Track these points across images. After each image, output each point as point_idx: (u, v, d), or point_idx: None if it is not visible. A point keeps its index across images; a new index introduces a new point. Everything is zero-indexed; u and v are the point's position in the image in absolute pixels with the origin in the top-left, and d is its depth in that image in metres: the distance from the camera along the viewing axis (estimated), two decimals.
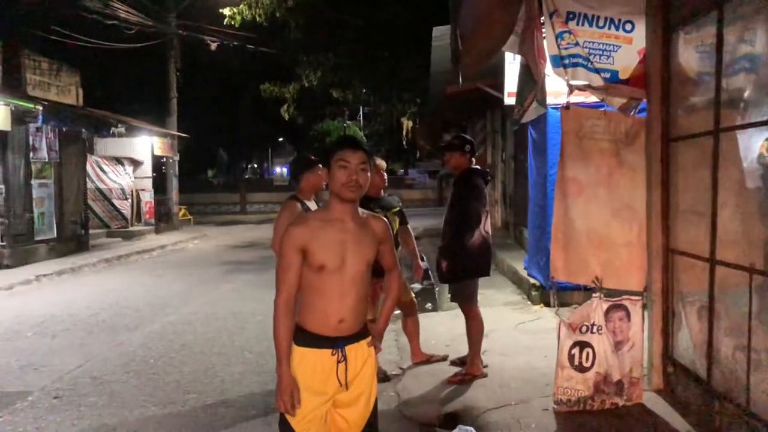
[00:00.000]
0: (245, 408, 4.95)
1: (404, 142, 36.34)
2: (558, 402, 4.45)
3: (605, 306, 4.46)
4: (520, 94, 5.70)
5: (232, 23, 19.95)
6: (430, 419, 4.56)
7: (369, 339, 2.81)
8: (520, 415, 4.43)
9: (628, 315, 4.50)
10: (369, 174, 2.74)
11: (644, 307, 4.64)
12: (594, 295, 4.49)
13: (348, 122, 43.12)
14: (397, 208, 5.65)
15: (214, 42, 22.37)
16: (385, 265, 2.96)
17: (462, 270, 5.27)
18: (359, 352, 2.75)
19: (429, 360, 5.84)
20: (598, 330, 4.45)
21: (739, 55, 3.87)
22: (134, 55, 20.53)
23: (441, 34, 10.38)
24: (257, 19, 19.69)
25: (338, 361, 2.68)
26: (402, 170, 50.68)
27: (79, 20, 17.52)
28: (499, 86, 9.35)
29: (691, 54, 4.47)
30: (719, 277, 3.96)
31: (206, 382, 5.60)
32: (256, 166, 64.81)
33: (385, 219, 2.92)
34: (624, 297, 4.53)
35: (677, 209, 4.56)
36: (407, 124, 31.90)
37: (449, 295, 5.64)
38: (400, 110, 28.65)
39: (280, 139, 53.51)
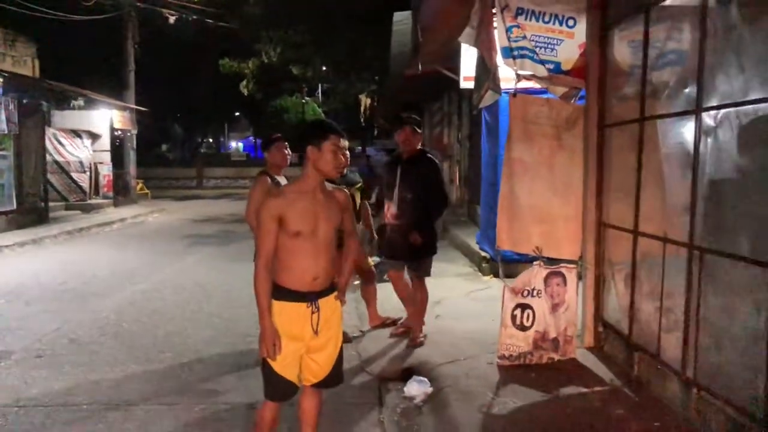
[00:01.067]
0: (218, 365, 5.39)
1: (362, 120, 36.68)
2: (501, 357, 5.03)
3: (544, 273, 5.04)
4: (478, 82, 6.20)
5: None
6: (388, 374, 5.08)
7: (336, 293, 3.30)
8: (468, 368, 5.00)
9: (565, 281, 5.09)
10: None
11: (579, 274, 5.25)
12: (534, 263, 5.06)
13: (306, 99, 43.15)
14: (359, 184, 6.13)
15: (172, 15, 22.31)
16: (345, 230, 3.43)
17: (432, 247, 5.76)
18: (328, 304, 3.24)
19: (384, 323, 6.34)
20: (537, 294, 5.03)
21: (667, 50, 4.44)
22: (92, 27, 20.34)
23: (401, 19, 10.79)
24: None
25: (312, 312, 3.17)
26: (359, 147, 50.98)
27: None
28: (456, 70, 9.83)
29: (624, 49, 5.03)
30: (641, 247, 4.57)
31: (180, 343, 6.01)
32: (212, 140, 64.21)
33: (347, 191, 3.43)
34: (561, 265, 5.12)
35: (609, 187, 5.15)
36: (365, 101, 32.28)
37: (414, 272, 5.79)
38: (359, 88, 28.98)
39: (237, 114, 53.14)
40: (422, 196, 5.59)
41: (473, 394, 4.55)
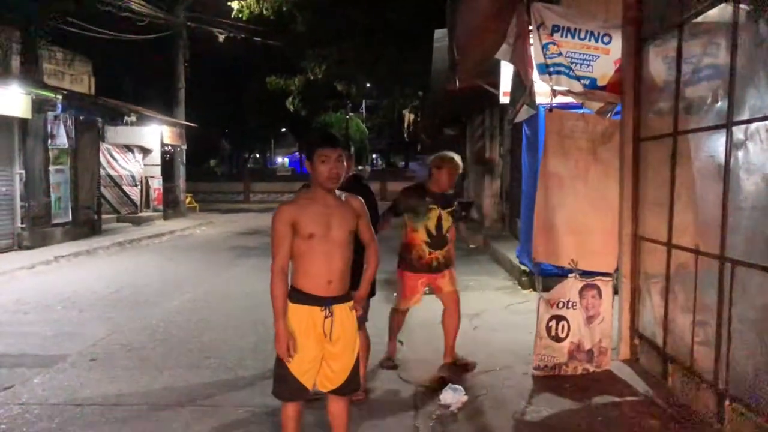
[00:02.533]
0: (261, 370, 5.59)
1: (405, 135, 36.95)
2: (537, 367, 5.11)
3: (580, 285, 5.12)
4: (513, 97, 6.35)
5: (240, 16, 20.56)
6: (424, 381, 5.20)
7: (351, 303, 3.42)
8: (503, 377, 5.09)
9: (600, 293, 5.15)
10: (345, 164, 3.37)
11: (614, 286, 5.30)
12: (570, 275, 5.14)
13: (350, 114, 43.70)
14: (452, 208, 5.43)
15: (221, 34, 22.99)
16: (363, 240, 3.53)
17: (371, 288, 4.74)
18: (344, 312, 3.36)
19: (456, 362, 5.48)
20: (572, 306, 5.10)
21: (699, 65, 4.50)
22: (144, 46, 21.12)
23: (442, 35, 10.96)
24: (264, 12, 20.31)
25: (325, 317, 3.30)
26: (402, 163, 51.30)
27: (92, 11, 18.11)
28: (497, 85, 9.95)
29: (659, 64, 5.10)
30: (675, 260, 4.62)
31: (225, 349, 6.24)
32: (258, 155, 65.40)
33: (360, 198, 3.51)
34: (597, 278, 5.19)
35: (645, 201, 5.20)
36: (409, 117, 32.52)
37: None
38: (402, 104, 29.23)
39: (283, 130, 54.07)
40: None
41: (507, 402, 4.64)
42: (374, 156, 60.14)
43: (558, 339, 5.10)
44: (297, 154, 59.49)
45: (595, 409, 4.48)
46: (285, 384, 3.35)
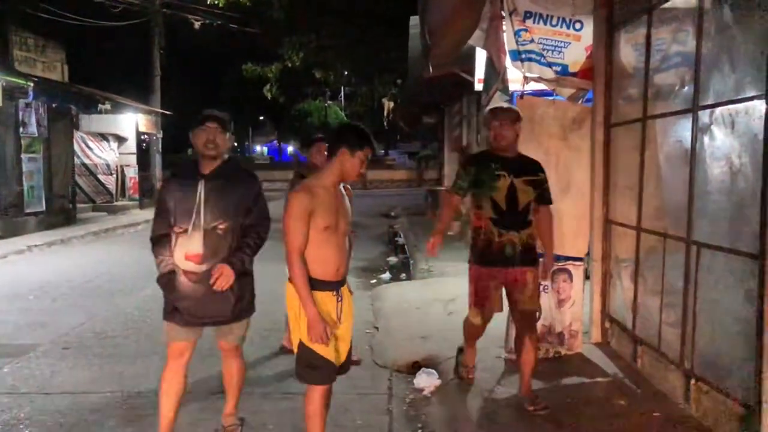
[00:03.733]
0: None
1: (385, 123, 36.92)
2: (509, 351, 5.16)
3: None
4: (487, 83, 6.37)
5: (216, 2, 20.36)
6: (399, 366, 5.24)
7: (347, 284, 3.48)
8: (477, 361, 5.11)
9: (571, 277, 5.22)
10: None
11: (585, 270, 5.36)
12: (541, 260, 5.18)
13: (329, 102, 43.55)
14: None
15: (197, 21, 22.74)
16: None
17: (253, 301, 4.09)
18: (346, 294, 3.42)
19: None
20: (544, 289, 5.15)
21: (667, 51, 4.56)
22: (119, 32, 20.83)
23: (417, 22, 10.95)
24: None
25: (338, 301, 3.34)
26: (382, 151, 51.31)
27: None
28: (472, 72, 9.97)
29: (629, 51, 5.15)
30: (645, 243, 4.68)
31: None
32: (236, 144, 64.99)
33: (349, 187, 3.80)
34: (568, 262, 5.24)
35: (615, 185, 5.27)
36: (388, 104, 32.47)
37: (226, 339, 3.88)
38: (381, 91, 29.19)
39: (261, 118, 53.74)
40: (238, 226, 3.63)
41: (479, 385, 4.70)
42: None
43: None
44: (276, 142, 59.21)
45: (565, 390, 4.55)
46: (318, 370, 3.32)
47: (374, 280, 9.12)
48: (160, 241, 3.59)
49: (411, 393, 4.64)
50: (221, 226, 3.51)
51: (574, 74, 5.44)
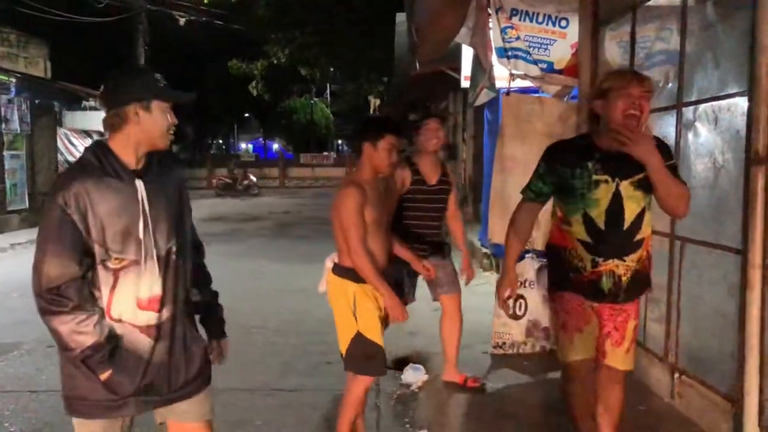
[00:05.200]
0: None
1: None
2: (495, 346, 5.20)
3: (537, 265, 5.21)
4: (473, 80, 6.40)
5: None
6: (387, 362, 5.25)
7: None
8: (463, 357, 5.14)
9: None
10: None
11: None
12: (527, 255, 5.22)
13: (315, 99, 43.46)
14: None
15: (182, 17, 22.62)
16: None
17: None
18: None
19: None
20: (530, 285, 5.20)
21: (652, 49, 4.60)
22: (103, 28, 20.65)
23: (403, 19, 10.96)
24: None
25: None
26: None
27: None
28: (459, 69, 10.00)
29: (614, 48, 5.19)
30: None
31: None
32: (222, 141, 64.68)
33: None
34: None
35: None
36: (374, 102, 32.48)
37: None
38: (368, 89, 29.17)
39: (246, 115, 53.50)
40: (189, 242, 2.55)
41: None
42: (339, 142, 59.97)
43: (516, 317, 5.20)
44: (261, 139, 59.01)
45: (550, 383, 4.59)
46: (375, 359, 3.39)
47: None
48: (69, 292, 2.11)
49: (398, 389, 4.66)
50: (174, 248, 2.27)
51: (559, 72, 5.48)
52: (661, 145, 2.85)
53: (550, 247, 3.12)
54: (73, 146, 18.97)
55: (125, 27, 21.87)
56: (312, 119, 43.21)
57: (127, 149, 2.20)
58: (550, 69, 5.44)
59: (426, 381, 4.74)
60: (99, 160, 2.18)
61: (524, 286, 5.17)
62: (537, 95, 5.75)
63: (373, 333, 3.34)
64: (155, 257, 2.20)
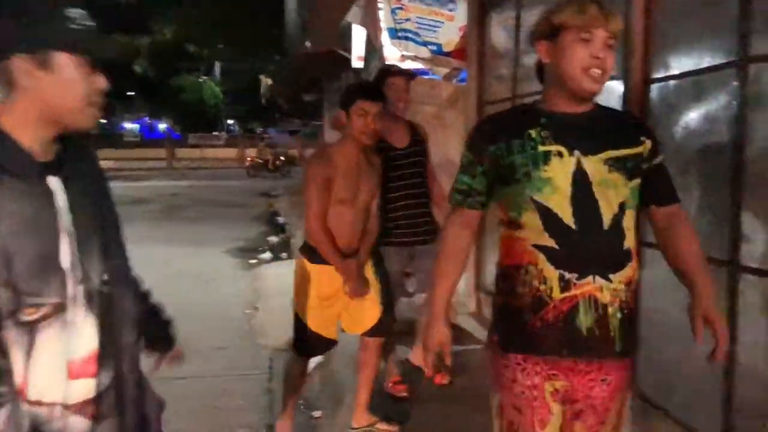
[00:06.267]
0: None
1: (263, 101, 36.24)
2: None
3: None
4: (366, 60, 6.40)
5: None
6: (281, 344, 5.21)
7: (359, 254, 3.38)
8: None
9: None
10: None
11: None
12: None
13: (204, 78, 42.13)
14: None
15: None
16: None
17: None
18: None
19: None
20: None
21: None
22: None
23: None
24: None
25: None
26: (261, 129, 50.40)
27: None
28: (350, 49, 9.98)
29: (500, 32, 5.34)
30: None
31: None
32: (104, 121, 61.56)
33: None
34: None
35: None
36: (266, 81, 31.86)
37: None
38: (259, 68, 28.59)
39: (130, 93, 51.14)
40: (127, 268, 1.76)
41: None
42: (230, 122, 58.54)
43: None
44: (146, 119, 56.59)
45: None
46: (306, 342, 3.35)
47: (254, 260, 8.99)
48: None
49: None
50: (109, 277, 1.50)
51: (448, 54, 5.59)
52: (646, 130, 1.99)
53: (500, 273, 1.99)
54: None
55: None
56: (201, 98, 41.86)
57: (26, 130, 1.35)
58: (439, 51, 5.54)
59: (321, 363, 4.74)
60: None
61: None
62: (427, 77, 5.84)
63: (306, 314, 3.28)
64: (86, 294, 1.41)
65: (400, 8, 5.40)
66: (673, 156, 2.81)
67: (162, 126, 55.87)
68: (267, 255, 9.51)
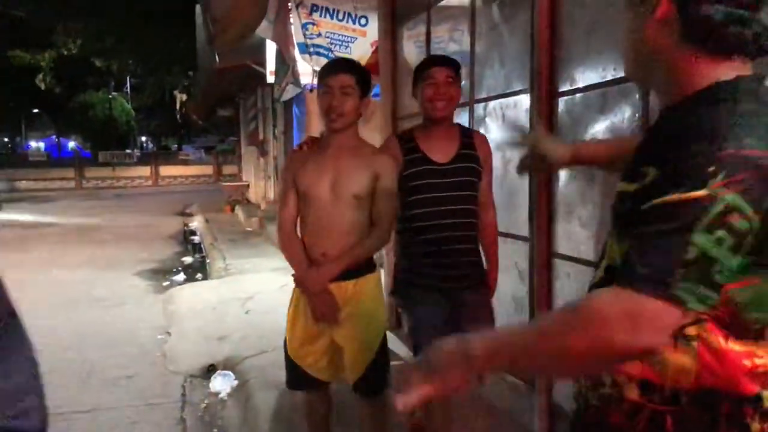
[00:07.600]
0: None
1: (178, 117, 35.34)
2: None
3: None
4: (278, 75, 6.30)
5: None
6: (194, 371, 5.00)
7: (356, 281, 2.77)
8: (274, 358, 5.02)
9: None
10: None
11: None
12: None
13: (114, 94, 40.71)
14: None
15: None
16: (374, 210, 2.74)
17: None
18: (345, 292, 2.73)
19: None
20: None
21: (445, 47, 4.80)
22: None
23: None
24: None
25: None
26: (176, 145, 49.06)
27: None
28: (264, 63, 9.83)
29: (412, 47, 5.35)
30: None
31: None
32: (7, 140, 58.45)
33: (389, 156, 2.84)
34: None
35: None
36: (180, 97, 31.09)
37: None
38: (172, 83, 27.89)
39: (35, 111, 48.71)
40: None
41: (277, 382, 4.60)
42: (143, 138, 56.77)
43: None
44: (54, 137, 54.08)
45: None
46: (288, 369, 2.91)
47: (167, 282, 8.66)
48: None
49: (207, 398, 4.47)
50: None
51: None
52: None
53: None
54: None
55: None
56: (111, 115, 40.40)
57: None
58: None
59: (236, 386, 4.57)
60: None
61: None
62: None
63: (289, 342, 2.87)
64: None
65: (312, 23, 5.33)
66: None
67: (71, 144, 53.55)
68: (180, 276, 9.18)
